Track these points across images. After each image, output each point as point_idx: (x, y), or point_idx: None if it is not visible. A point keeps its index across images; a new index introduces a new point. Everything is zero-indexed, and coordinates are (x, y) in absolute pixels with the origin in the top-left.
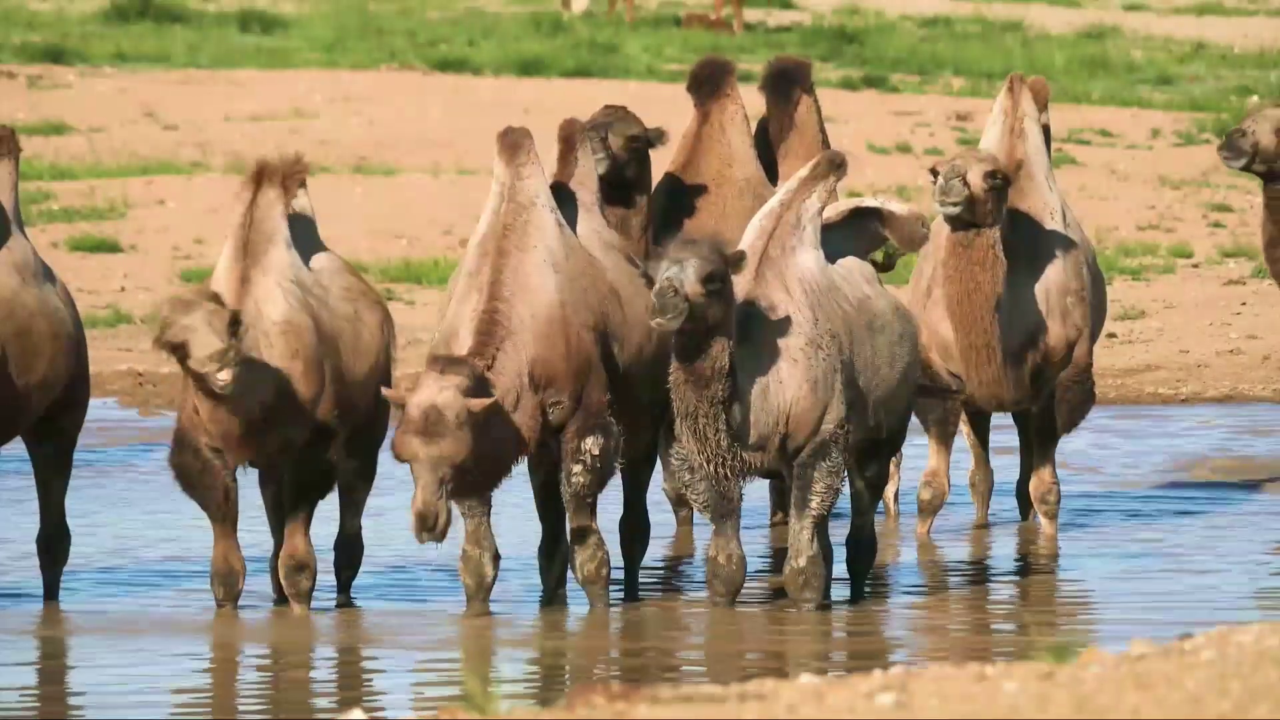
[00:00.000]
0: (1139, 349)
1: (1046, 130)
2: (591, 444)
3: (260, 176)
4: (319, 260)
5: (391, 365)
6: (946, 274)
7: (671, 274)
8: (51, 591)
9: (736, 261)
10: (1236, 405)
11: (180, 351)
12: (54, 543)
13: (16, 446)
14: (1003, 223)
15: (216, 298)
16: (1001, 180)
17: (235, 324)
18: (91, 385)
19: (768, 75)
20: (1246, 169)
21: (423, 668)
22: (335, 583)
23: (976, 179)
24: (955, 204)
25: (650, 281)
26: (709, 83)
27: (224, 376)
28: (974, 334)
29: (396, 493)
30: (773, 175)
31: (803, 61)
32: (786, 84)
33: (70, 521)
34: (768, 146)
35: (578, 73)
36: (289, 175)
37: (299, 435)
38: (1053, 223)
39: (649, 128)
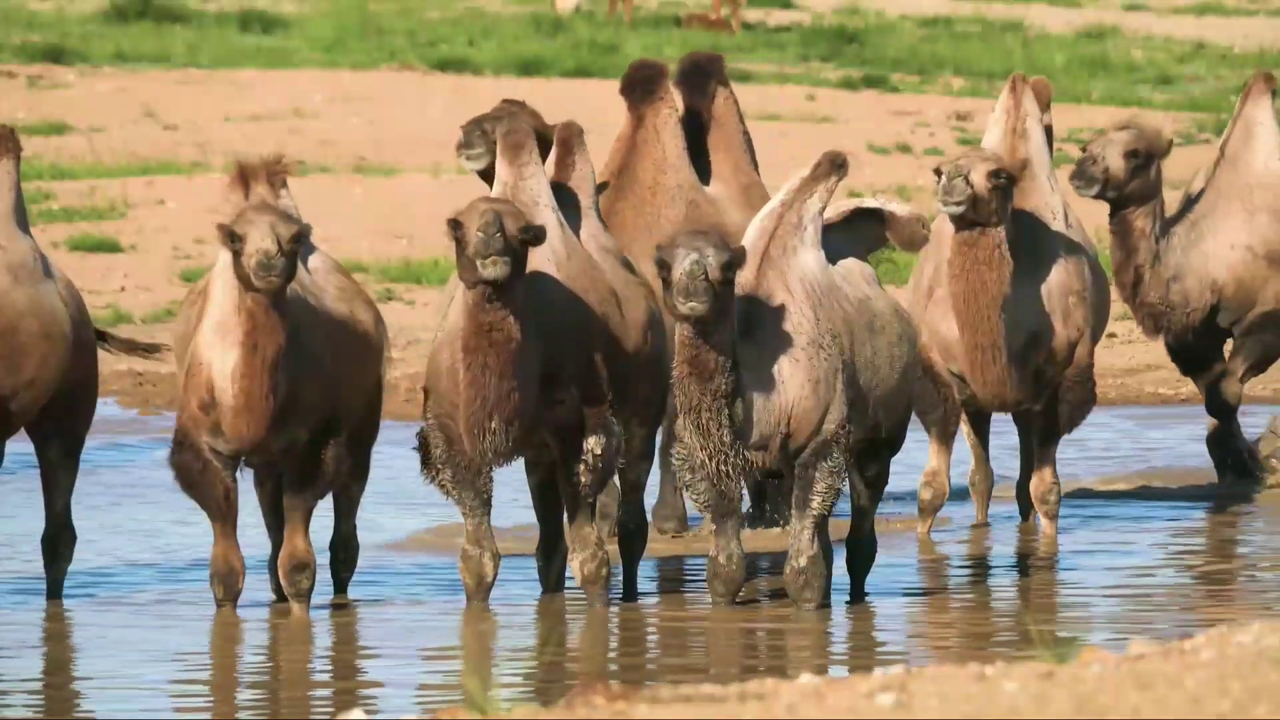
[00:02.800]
0: (1139, 349)
1: (1049, 130)
2: (594, 444)
3: (245, 176)
4: (314, 260)
5: (385, 366)
6: (952, 273)
7: (696, 259)
8: (55, 590)
9: (741, 255)
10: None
11: (237, 243)
12: (58, 542)
13: (25, 446)
14: (1008, 223)
15: (289, 216)
16: (1006, 179)
17: (297, 239)
18: None
19: (681, 71)
20: (1100, 196)
21: (422, 668)
22: (332, 582)
23: (980, 178)
24: (959, 203)
25: (665, 268)
26: (642, 85)
27: (269, 278)
28: (979, 333)
29: (393, 493)
30: (703, 174)
31: (715, 55)
32: (702, 78)
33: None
34: (691, 144)
35: (578, 73)
36: (272, 174)
37: (302, 434)
38: (1055, 223)
39: (548, 124)
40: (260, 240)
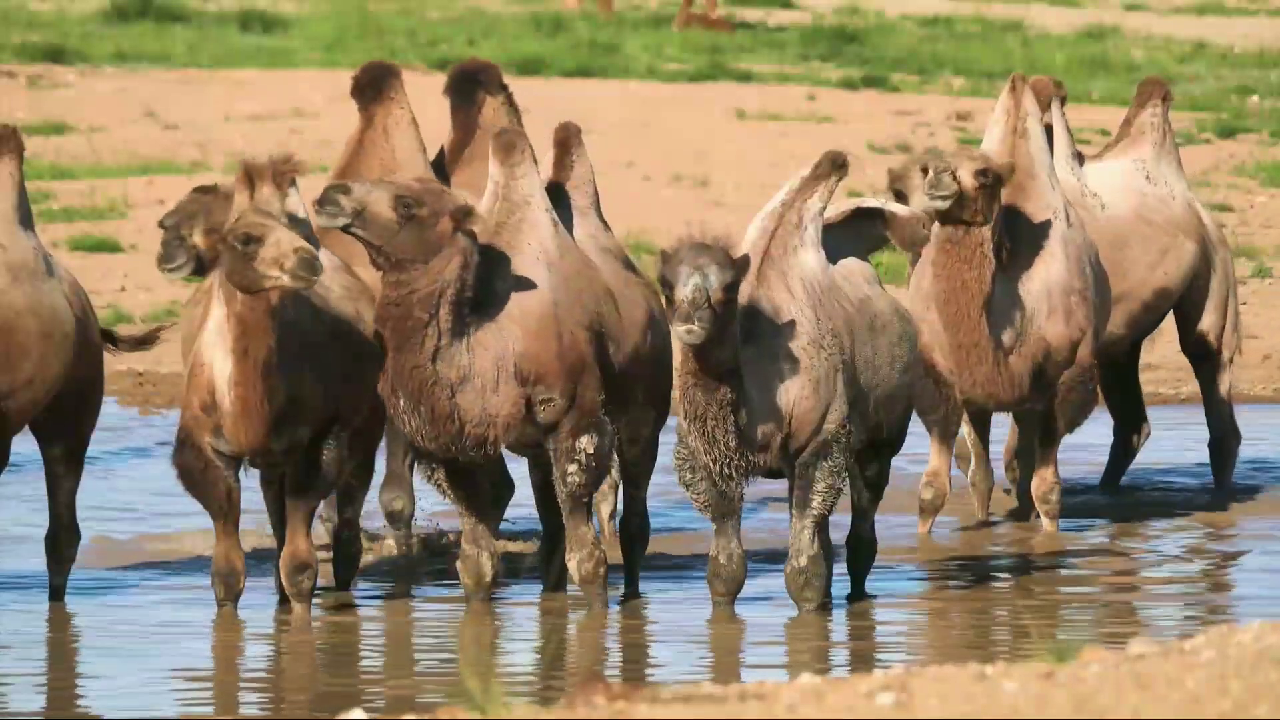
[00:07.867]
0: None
1: (1049, 130)
2: (586, 443)
3: (250, 176)
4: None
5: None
6: (935, 272)
7: (698, 283)
8: (57, 592)
9: (745, 266)
10: (1236, 405)
11: (252, 245)
12: (61, 543)
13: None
14: (997, 223)
15: (291, 218)
16: (993, 179)
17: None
18: None
19: (450, 80)
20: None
21: (422, 667)
22: (333, 582)
23: (967, 176)
24: (945, 198)
25: (668, 286)
26: (371, 87)
27: (288, 279)
28: (962, 332)
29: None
30: (478, 179)
31: (488, 64)
32: (469, 86)
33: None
34: (458, 150)
35: (578, 73)
36: (280, 173)
37: (305, 434)
38: (1055, 222)
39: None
40: (279, 245)
